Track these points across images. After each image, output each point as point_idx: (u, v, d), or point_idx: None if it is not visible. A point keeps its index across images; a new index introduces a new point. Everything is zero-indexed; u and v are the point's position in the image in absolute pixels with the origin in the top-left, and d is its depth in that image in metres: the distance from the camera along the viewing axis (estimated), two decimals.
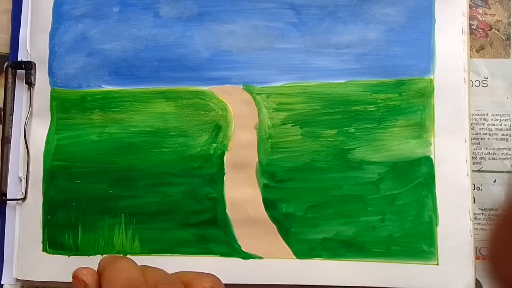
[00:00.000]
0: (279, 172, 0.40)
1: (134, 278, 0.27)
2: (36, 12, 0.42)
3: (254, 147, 0.40)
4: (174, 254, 0.39)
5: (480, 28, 0.41)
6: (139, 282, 0.27)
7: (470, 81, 0.40)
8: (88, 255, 0.40)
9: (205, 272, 0.31)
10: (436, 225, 0.38)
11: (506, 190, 0.39)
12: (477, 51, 0.41)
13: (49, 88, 0.42)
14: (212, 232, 0.40)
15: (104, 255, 0.30)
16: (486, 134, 0.40)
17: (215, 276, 0.30)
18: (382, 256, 0.39)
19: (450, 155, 0.39)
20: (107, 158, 0.41)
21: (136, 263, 0.29)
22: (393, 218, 0.39)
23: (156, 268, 0.30)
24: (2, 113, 0.42)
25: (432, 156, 0.39)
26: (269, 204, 0.40)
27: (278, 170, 0.40)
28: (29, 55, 0.42)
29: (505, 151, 0.40)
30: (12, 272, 0.40)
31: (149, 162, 0.40)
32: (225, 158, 0.40)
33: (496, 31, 0.41)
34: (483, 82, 0.40)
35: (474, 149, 0.40)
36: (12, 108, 0.42)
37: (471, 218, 0.38)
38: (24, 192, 0.41)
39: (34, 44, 0.42)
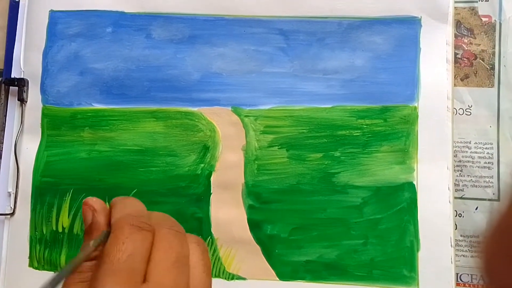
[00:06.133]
0: (264, 194, 0.40)
1: (142, 210, 0.29)
2: (31, 30, 0.43)
3: (240, 168, 0.41)
4: None
5: (465, 57, 0.42)
6: (145, 214, 0.28)
7: (454, 109, 0.41)
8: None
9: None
10: (417, 251, 0.39)
11: (488, 218, 0.40)
12: (462, 80, 0.41)
13: (41, 105, 0.42)
14: None
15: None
16: (468, 161, 0.41)
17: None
18: (363, 279, 0.39)
19: (433, 182, 0.39)
20: (95, 175, 0.41)
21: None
22: (375, 242, 0.39)
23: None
24: None
25: (415, 182, 0.40)
26: (254, 225, 0.40)
27: (263, 191, 0.40)
28: (22, 72, 0.43)
29: (487, 179, 0.40)
30: None
31: (137, 180, 0.41)
32: (212, 179, 0.41)
33: (480, 60, 0.42)
34: (466, 110, 0.41)
35: (457, 176, 0.40)
36: (4, 123, 0.43)
37: (452, 244, 0.39)
38: (12, 208, 0.41)
39: (27, 62, 0.43)
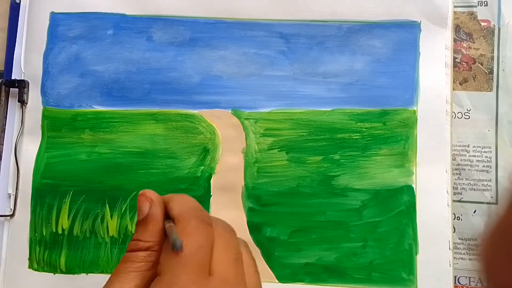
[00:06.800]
0: (264, 196, 0.41)
1: (200, 205, 0.28)
2: (31, 32, 0.43)
3: (240, 171, 0.41)
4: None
5: (464, 62, 0.42)
6: (205, 211, 0.28)
7: (453, 113, 0.41)
8: (74, 273, 0.40)
9: None
10: (416, 254, 0.39)
11: (486, 221, 0.40)
12: (461, 84, 0.42)
13: (41, 107, 0.42)
14: None
15: None
16: (467, 165, 0.41)
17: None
18: (362, 282, 0.39)
19: (431, 185, 0.40)
20: (95, 177, 0.41)
21: None
22: (374, 245, 0.40)
23: None
24: None
25: (413, 185, 0.40)
26: (253, 228, 0.40)
27: (263, 194, 0.41)
28: (22, 74, 0.43)
29: (485, 183, 0.41)
30: None
31: (137, 182, 0.41)
32: (212, 181, 0.41)
33: (479, 64, 0.42)
34: (465, 114, 0.41)
35: (455, 179, 0.41)
36: (4, 125, 0.43)
37: (450, 247, 0.39)
38: (12, 209, 0.41)
39: (28, 63, 0.43)
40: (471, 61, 0.42)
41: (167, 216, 0.27)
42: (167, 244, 0.26)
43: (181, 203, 0.28)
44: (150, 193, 0.28)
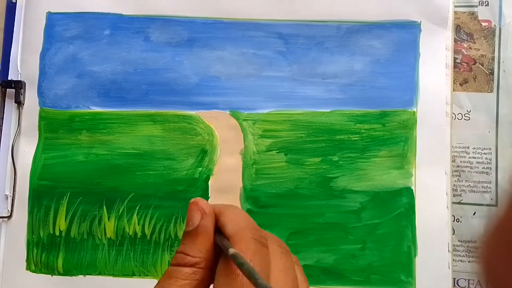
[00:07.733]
0: (262, 198, 0.40)
1: (253, 222, 0.26)
2: (28, 32, 0.43)
3: (238, 173, 0.41)
4: (156, 277, 0.40)
5: (464, 62, 0.42)
6: (258, 227, 0.26)
7: (453, 114, 0.41)
8: (71, 275, 0.40)
9: None
10: (415, 256, 0.39)
11: (486, 223, 0.40)
12: (461, 85, 0.41)
13: (38, 108, 0.42)
14: None
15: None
16: (467, 167, 0.41)
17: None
18: (361, 284, 0.39)
19: (431, 187, 0.39)
20: (93, 179, 0.41)
21: None
22: (373, 247, 0.39)
23: None
24: None
25: (413, 187, 0.40)
26: None
27: (261, 195, 0.40)
28: (19, 75, 0.42)
29: (485, 184, 0.40)
30: None
31: (134, 184, 0.41)
32: (209, 182, 0.41)
33: (480, 65, 0.41)
34: (465, 115, 0.41)
35: (455, 181, 0.40)
36: (1, 126, 0.42)
37: (450, 250, 0.39)
38: (10, 210, 0.41)
39: (24, 64, 0.43)
40: (472, 62, 0.42)
41: (217, 229, 0.25)
42: (223, 265, 0.24)
43: (236, 219, 0.25)
44: (203, 203, 0.26)
